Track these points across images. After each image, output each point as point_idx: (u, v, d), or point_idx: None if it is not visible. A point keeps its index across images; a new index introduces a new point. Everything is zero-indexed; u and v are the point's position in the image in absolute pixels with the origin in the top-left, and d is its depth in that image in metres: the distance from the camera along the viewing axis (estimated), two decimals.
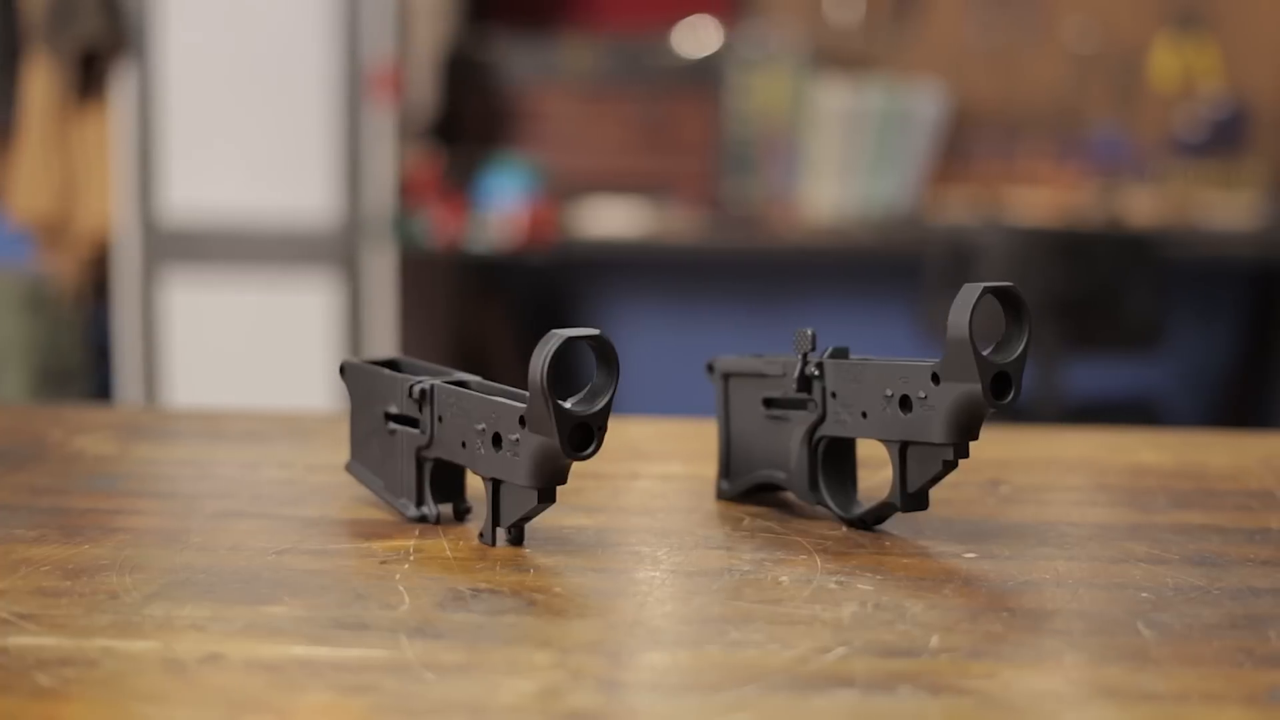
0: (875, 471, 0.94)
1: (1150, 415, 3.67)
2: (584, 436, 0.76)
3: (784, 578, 0.76)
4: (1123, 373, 3.86)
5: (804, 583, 0.75)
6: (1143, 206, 3.78)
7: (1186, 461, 1.08)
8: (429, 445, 0.85)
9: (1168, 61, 4.00)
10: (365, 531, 0.85)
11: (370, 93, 3.52)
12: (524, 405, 0.78)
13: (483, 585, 0.74)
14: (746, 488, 0.92)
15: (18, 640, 0.65)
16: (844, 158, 3.87)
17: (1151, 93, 4.02)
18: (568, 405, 0.76)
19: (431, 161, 3.72)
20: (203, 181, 3.57)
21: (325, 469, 1.02)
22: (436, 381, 0.85)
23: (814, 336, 0.86)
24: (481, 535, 0.82)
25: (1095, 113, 4.03)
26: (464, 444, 0.83)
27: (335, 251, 3.57)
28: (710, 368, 0.94)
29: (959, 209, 3.82)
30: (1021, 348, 0.77)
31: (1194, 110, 3.98)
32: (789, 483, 0.89)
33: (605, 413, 0.76)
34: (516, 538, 0.82)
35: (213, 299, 3.60)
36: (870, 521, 0.86)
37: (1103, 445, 1.14)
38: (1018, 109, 4.05)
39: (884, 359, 0.83)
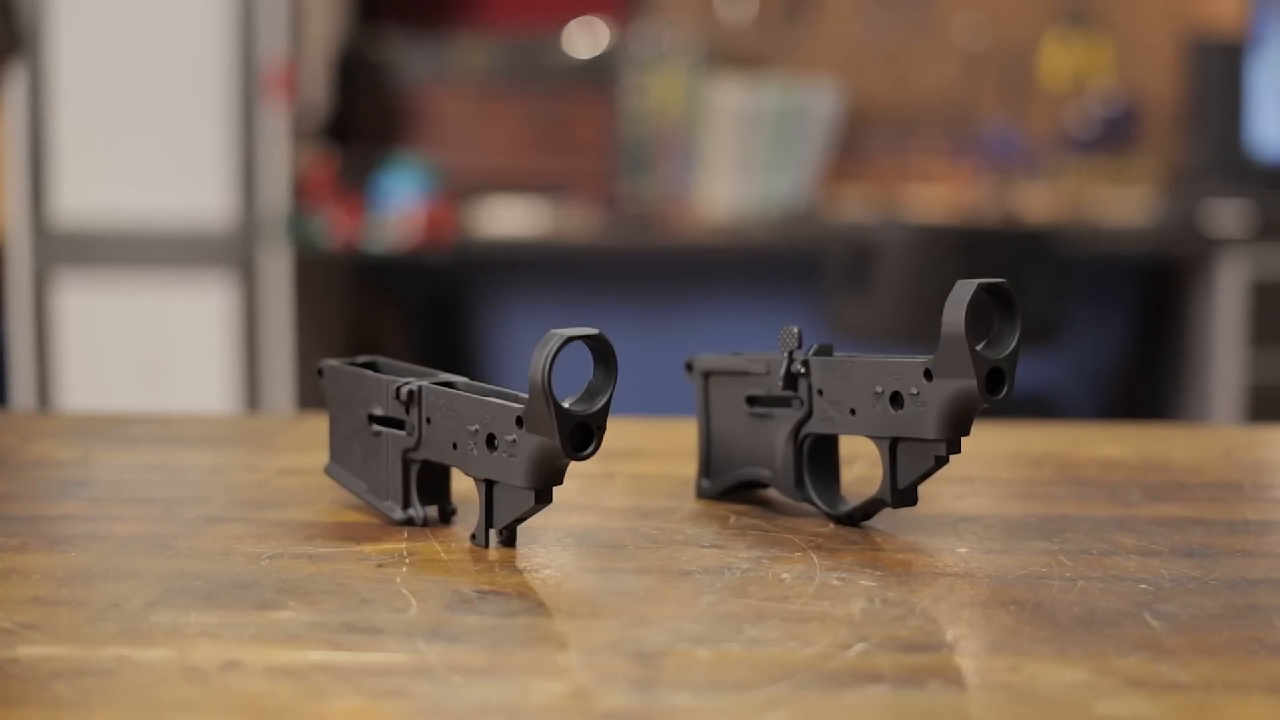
0: (848, 468, 0.95)
1: (1048, 409, 3.71)
2: (584, 436, 0.76)
3: (785, 575, 0.76)
4: (1020, 368, 3.88)
5: (806, 580, 0.75)
6: (1037, 203, 3.83)
7: (1151, 455, 1.09)
8: (416, 447, 0.84)
9: (1058, 59, 4.05)
10: (353, 534, 0.84)
11: (265, 93, 3.49)
12: (519, 405, 0.77)
13: (486, 587, 0.74)
14: (728, 486, 0.92)
15: (28, 650, 0.64)
16: (739, 156, 3.88)
17: (1043, 90, 4.07)
18: (567, 405, 0.75)
19: (326, 162, 3.69)
20: (95, 183, 3.52)
21: (296, 472, 1.00)
22: (424, 383, 0.84)
23: (800, 334, 0.86)
24: (473, 537, 0.82)
25: (987, 110, 4.07)
26: (455, 445, 0.82)
27: (230, 253, 3.53)
28: (689, 366, 0.94)
29: (855, 206, 3.84)
30: (1014, 343, 0.78)
31: (1085, 107, 4.04)
32: (774, 480, 0.89)
33: (604, 412, 0.76)
34: (509, 539, 0.82)
35: (106, 302, 3.55)
36: (858, 518, 0.86)
37: (1064, 440, 1.15)
38: (911, 106, 4.08)
39: (872, 355, 0.83)
